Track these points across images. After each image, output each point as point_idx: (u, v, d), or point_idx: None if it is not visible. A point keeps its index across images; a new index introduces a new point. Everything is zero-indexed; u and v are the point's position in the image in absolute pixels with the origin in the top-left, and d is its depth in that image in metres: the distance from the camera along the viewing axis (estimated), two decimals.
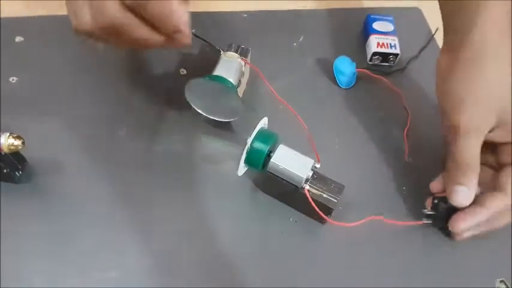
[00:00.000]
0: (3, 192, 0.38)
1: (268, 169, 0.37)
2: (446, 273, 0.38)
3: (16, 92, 0.44)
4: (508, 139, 0.36)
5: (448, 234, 0.38)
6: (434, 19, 0.55)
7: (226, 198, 0.40)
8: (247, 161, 0.37)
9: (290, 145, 0.37)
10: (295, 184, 0.36)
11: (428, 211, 0.38)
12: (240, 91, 0.43)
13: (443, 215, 0.37)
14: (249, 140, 0.36)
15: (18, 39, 0.48)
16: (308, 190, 0.36)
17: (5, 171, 0.37)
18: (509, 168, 0.36)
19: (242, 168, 0.38)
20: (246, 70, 0.44)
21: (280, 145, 0.37)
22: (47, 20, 0.50)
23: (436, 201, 0.37)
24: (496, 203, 0.35)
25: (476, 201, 0.35)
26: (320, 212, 0.36)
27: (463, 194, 0.35)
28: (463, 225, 0.35)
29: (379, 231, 0.38)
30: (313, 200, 0.36)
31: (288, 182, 0.37)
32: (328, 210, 0.37)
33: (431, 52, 0.51)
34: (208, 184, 0.40)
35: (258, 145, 0.36)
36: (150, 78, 0.47)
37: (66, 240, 0.37)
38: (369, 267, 0.37)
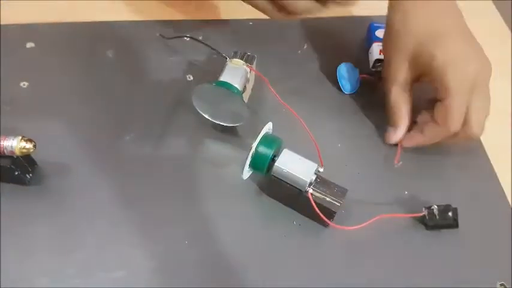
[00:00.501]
0: (14, 194, 0.39)
1: (272, 173, 0.38)
2: (447, 274, 0.38)
3: (27, 97, 0.46)
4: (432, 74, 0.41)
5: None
6: None
7: (231, 201, 0.41)
8: (252, 165, 0.38)
9: (294, 149, 0.38)
10: (299, 188, 0.37)
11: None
12: (246, 97, 0.44)
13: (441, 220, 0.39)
14: (254, 145, 0.37)
15: (29, 45, 0.50)
16: (311, 194, 0.37)
17: (16, 173, 0.38)
18: (443, 106, 0.40)
19: (247, 172, 0.39)
20: (251, 76, 0.45)
21: (285, 149, 0.38)
22: (56, 27, 0.51)
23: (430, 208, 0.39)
24: (435, 133, 0.42)
25: (417, 129, 0.43)
26: (322, 216, 0.37)
27: (390, 134, 0.44)
28: (408, 143, 0.44)
29: (381, 234, 0.39)
30: (316, 203, 0.37)
31: (291, 185, 0.37)
32: (331, 214, 0.37)
33: None
34: (213, 187, 0.41)
35: (263, 149, 0.37)
36: (158, 83, 0.48)
37: (74, 241, 0.38)
38: (370, 269, 0.38)
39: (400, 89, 0.43)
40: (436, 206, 0.39)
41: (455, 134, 0.41)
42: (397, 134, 0.44)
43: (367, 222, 0.37)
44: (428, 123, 0.42)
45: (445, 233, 0.40)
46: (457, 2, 0.43)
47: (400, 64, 0.43)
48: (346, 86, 0.49)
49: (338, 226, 0.38)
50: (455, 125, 0.40)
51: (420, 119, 0.44)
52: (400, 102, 0.44)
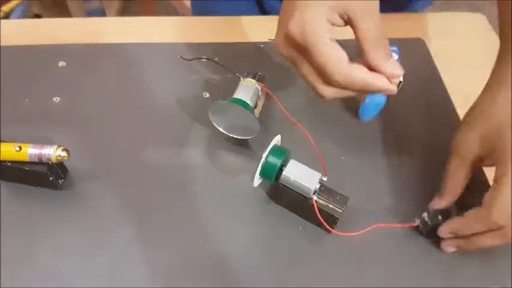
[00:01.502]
0: (47, 198, 0.43)
1: (280, 181, 0.41)
2: (447, 276, 0.40)
3: (59, 110, 0.50)
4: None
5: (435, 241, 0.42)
6: (436, 49, 0.60)
7: (242, 206, 0.44)
8: (262, 174, 0.42)
9: (300, 160, 0.41)
10: (304, 195, 0.41)
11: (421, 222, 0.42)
12: (257, 112, 0.48)
13: (433, 225, 0.41)
14: (264, 155, 0.41)
15: (61, 63, 0.54)
16: (316, 200, 0.40)
17: (51, 178, 0.42)
18: (494, 187, 0.36)
19: (257, 180, 0.42)
20: (262, 94, 0.48)
21: (292, 160, 0.41)
22: (86, 48, 0.56)
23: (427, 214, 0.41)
24: (475, 216, 0.37)
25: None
26: (324, 223, 0.40)
27: (435, 199, 0.42)
28: (445, 229, 0.40)
29: (382, 240, 0.42)
30: (320, 209, 0.40)
31: (297, 193, 0.41)
32: (333, 220, 0.40)
33: (431, 81, 0.56)
34: (226, 194, 0.44)
35: (272, 159, 0.41)
36: (178, 100, 0.51)
37: (100, 240, 0.41)
38: (372, 273, 0.40)
39: (461, 162, 0.40)
40: (426, 214, 0.41)
41: (494, 227, 0.36)
42: (441, 203, 0.41)
43: (365, 230, 0.40)
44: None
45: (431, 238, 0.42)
46: None
47: (472, 139, 0.39)
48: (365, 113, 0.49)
49: (340, 233, 0.41)
50: (500, 210, 0.35)
51: None
52: (456, 172, 0.40)
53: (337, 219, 0.40)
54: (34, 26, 0.59)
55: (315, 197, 0.40)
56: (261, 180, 0.43)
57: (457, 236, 0.39)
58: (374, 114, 0.50)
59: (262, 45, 0.58)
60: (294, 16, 0.34)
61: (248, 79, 0.47)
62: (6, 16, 1.10)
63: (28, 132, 0.47)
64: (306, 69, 0.36)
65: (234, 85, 0.47)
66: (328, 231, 0.42)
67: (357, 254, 0.41)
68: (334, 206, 0.40)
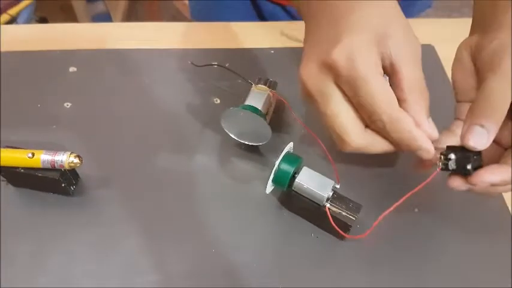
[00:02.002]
0: (59, 203, 0.43)
1: (293, 188, 0.41)
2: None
3: (70, 116, 0.50)
4: None
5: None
6: (446, 56, 0.60)
7: (255, 213, 0.44)
8: (274, 181, 0.42)
9: (313, 167, 0.41)
10: (317, 202, 0.40)
11: (442, 164, 0.34)
12: (268, 118, 0.48)
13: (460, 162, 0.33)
14: (277, 162, 0.41)
15: (71, 69, 0.54)
16: (329, 208, 0.40)
17: (63, 185, 0.42)
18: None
19: (270, 187, 0.42)
20: (274, 100, 0.49)
21: (304, 167, 0.41)
22: (96, 53, 0.56)
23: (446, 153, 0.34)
24: None
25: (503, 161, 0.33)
26: (338, 229, 0.40)
27: (482, 136, 0.32)
28: (489, 179, 0.32)
29: (393, 248, 0.42)
30: (333, 217, 0.40)
31: (310, 200, 0.41)
32: (346, 227, 0.40)
33: (441, 88, 0.56)
34: (239, 200, 0.44)
35: (285, 166, 0.41)
36: (189, 106, 0.51)
37: (111, 246, 0.41)
38: (384, 279, 0.40)
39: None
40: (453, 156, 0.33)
41: None
42: (490, 139, 0.32)
43: (372, 227, 0.38)
44: None
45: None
46: None
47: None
48: None
49: (351, 236, 0.41)
50: None
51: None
52: (508, 104, 0.32)
53: (350, 226, 0.40)
54: (44, 31, 0.60)
55: (328, 205, 0.40)
56: (273, 187, 0.43)
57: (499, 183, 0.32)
58: None
59: (272, 51, 0.58)
60: (341, 43, 0.30)
61: (260, 85, 0.47)
62: (13, 20, 1.11)
63: (39, 138, 0.47)
64: (341, 107, 0.32)
65: (244, 91, 0.47)
66: (341, 238, 0.42)
67: (369, 261, 0.41)
68: (347, 213, 0.40)
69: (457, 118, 0.37)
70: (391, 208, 0.39)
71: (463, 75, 0.37)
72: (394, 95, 0.30)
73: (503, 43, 0.33)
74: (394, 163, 0.48)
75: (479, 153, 0.33)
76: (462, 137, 0.32)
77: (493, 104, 0.32)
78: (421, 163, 0.37)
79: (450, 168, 0.33)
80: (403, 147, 0.32)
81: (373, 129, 0.33)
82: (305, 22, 0.36)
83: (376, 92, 0.29)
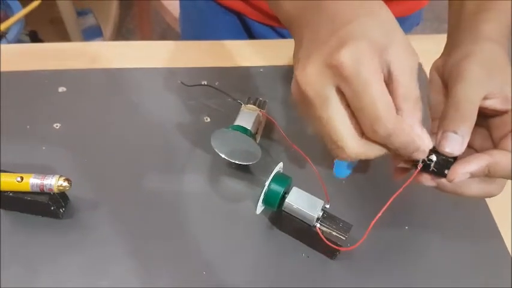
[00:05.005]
0: (48, 226, 0.43)
1: (283, 208, 0.41)
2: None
3: (59, 137, 0.49)
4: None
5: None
6: None
7: (245, 233, 0.44)
8: (264, 201, 0.42)
9: (302, 187, 0.42)
10: (308, 222, 0.41)
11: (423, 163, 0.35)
12: (258, 138, 0.48)
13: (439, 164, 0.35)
14: (267, 183, 0.41)
15: (61, 89, 0.54)
16: (319, 228, 0.40)
17: (52, 208, 0.41)
18: None
19: (260, 207, 0.43)
20: (263, 119, 0.49)
21: (294, 187, 0.42)
22: (85, 73, 0.56)
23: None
24: (505, 160, 0.33)
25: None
26: (332, 245, 0.39)
27: (457, 142, 0.33)
28: (479, 162, 0.33)
29: (384, 266, 0.42)
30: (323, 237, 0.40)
31: (301, 220, 0.41)
32: (337, 246, 0.41)
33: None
34: (228, 220, 0.44)
35: (275, 187, 0.41)
36: (179, 124, 0.51)
37: (101, 268, 0.41)
38: None
39: (481, 95, 0.35)
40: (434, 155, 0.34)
41: None
42: (464, 144, 0.34)
43: (364, 237, 0.38)
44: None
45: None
46: None
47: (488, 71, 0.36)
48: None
49: (344, 248, 0.40)
50: None
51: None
52: (477, 107, 0.34)
53: (341, 246, 0.40)
54: (33, 50, 0.60)
55: (318, 225, 0.40)
56: (263, 207, 0.44)
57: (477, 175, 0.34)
58: (349, 172, 0.39)
59: (261, 69, 0.58)
60: (348, 45, 0.29)
61: (249, 105, 0.47)
62: (3, 35, 1.10)
63: (29, 159, 0.47)
64: (339, 112, 0.31)
65: (234, 109, 0.48)
66: (332, 258, 0.42)
67: (360, 280, 0.42)
68: (337, 233, 0.40)
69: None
70: (379, 213, 0.38)
71: (435, 94, 0.39)
72: (392, 101, 0.31)
73: (465, 51, 0.36)
74: (384, 180, 0.49)
75: (456, 157, 0.34)
76: (438, 144, 0.34)
77: (462, 110, 0.34)
78: (398, 170, 0.38)
79: (430, 169, 0.35)
80: (401, 150, 0.32)
81: (367, 138, 0.33)
82: (296, 31, 0.35)
83: (377, 97, 0.30)
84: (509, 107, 0.35)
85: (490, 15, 0.39)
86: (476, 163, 0.33)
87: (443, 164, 0.34)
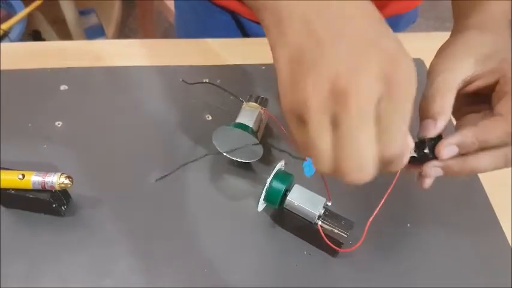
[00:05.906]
0: (51, 224, 0.43)
1: (285, 206, 0.41)
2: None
3: (61, 135, 0.49)
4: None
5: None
6: None
7: (246, 231, 0.44)
8: (266, 199, 0.42)
9: (304, 184, 0.42)
10: (309, 220, 0.41)
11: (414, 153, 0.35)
12: (259, 135, 0.48)
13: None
14: (268, 180, 0.41)
15: (63, 87, 0.54)
16: (321, 225, 0.40)
17: (54, 206, 0.42)
18: (508, 97, 0.34)
19: (261, 205, 0.42)
20: (265, 117, 0.49)
21: (296, 185, 0.42)
22: (87, 71, 0.56)
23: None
24: (490, 124, 0.33)
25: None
26: (332, 245, 0.40)
27: (429, 125, 0.34)
28: (451, 140, 0.33)
29: (386, 264, 0.42)
30: (325, 234, 0.40)
31: (302, 218, 0.41)
32: (339, 244, 0.41)
33: None
34: (230, 218, 0.44)
35: (276, 184, 0.41)
36: (181, 123, 0.51)
37: (103, 266, 0.41)
38: None
39: (453, 81, 0.35)
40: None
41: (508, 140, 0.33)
42: (438, 126, 0.34)
43: (363, 235, 0.39)
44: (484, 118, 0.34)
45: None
46: None
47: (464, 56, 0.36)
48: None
49: (344, 250, 0.41)
50: None
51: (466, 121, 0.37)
52: (445, 89, 0.35)
53: (342, 243, 0.40)
54: (35, 49, 0.60)
55: (319, 222, 0.40)
56: (265, 205, 0.43)
57: (458, 153, 0.34)
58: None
59: (263, 67, 0.58)
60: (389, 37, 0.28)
61: (251, 103, 0.47)
62: (6, 34, 1.10)
63: (30, 157, 0.47)
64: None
65: (236, 107, 0.48)
66: (334, 255, 0.42)
67: (362, 277, 0.42)
68: (339, 230, 0.40)
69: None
70: (377, 208, 0.39)
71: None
72: None
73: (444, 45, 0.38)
74: (386, 178, 0.48)
75: (438, 138, 0.34)
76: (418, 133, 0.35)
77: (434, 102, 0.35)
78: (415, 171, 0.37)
79: (421, 154, 0.35)
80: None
81: None
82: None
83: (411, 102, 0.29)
84: (497, 77, 0.35)
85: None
86: (459, 134, 0.33)
87: (420, 146, 0.34)
